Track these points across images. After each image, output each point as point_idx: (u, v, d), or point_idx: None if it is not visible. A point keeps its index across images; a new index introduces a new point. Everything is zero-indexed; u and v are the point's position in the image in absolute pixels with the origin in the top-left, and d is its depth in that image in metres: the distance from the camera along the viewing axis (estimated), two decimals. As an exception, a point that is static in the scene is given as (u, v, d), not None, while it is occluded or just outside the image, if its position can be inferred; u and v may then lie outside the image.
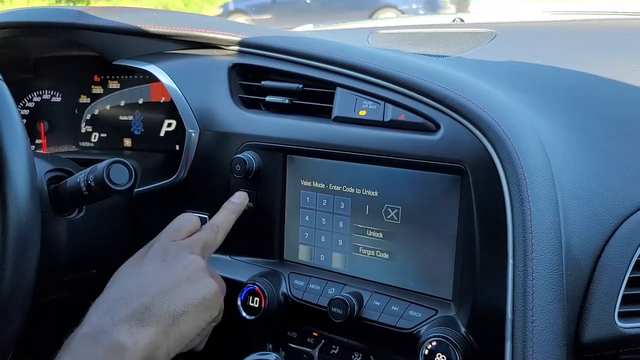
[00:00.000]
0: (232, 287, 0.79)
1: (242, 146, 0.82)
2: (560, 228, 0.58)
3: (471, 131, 0.65)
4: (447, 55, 0.96)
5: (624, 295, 0.61)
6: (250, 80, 0.88)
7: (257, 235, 0.83)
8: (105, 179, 0.65)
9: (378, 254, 0.75)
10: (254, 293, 0.77)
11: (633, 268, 0.62)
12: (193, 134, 0.85)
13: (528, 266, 0.55)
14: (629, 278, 0.62)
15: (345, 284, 0.76)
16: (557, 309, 0.55)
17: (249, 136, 0.82)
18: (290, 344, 0.83)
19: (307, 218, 0.80)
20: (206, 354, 0.77)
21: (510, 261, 0.57)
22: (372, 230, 0.75)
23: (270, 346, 0.84)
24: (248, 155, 0.80)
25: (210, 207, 0.84)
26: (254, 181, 0.81)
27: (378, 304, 0.73)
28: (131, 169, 0.67)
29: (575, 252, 0.61)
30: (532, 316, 0.53)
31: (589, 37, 1.05)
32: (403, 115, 0.72)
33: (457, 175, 0.68)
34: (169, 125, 1.04)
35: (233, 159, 0.80)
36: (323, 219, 0.79)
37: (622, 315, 0.61)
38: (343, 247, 0.78)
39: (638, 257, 0.62)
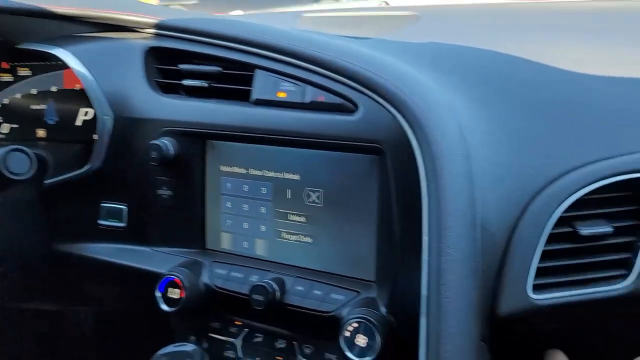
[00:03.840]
0: (152, 280, 0.76)
1: (160, 132, 0.79)
2: (475, 205, 0.59)
3: (389, 111, 0.64)
4: (370, 38, 0.96)
5: (538, 268, 0.63)
6: (168, 64, 0.84)
7: (177, 225, 0.80)
8: (2, 167, 0.61)
9: (301, 238, 0.74)
10: (173, 284, 0.74)
11: (546, 242, 0.63)
12: (106, 121, 0.81)
13: (442, 242, 0.55)
14: (543, 251, 0.63)
15: (269, 271, 0.75)
16: (472, 284, 0.55)
17: (166, 122, 0.79)
18: (213, 335, 0.80)
19: (228, 205, 0.78)
20: (127, 347, 0.74)
21: (425, 238, 0.56)
22: (294, 215, 0.74)
23: (194, 337, 0.82)
24: (164, 141, 0.77)
25: (128, 197, 0.81)
26: (172, 168, 0.78)
27: (301, 288, 0.71)
28: (31, 157, 0.62)
29: (491, 228, 0.61)
30: (446, 292, 0.53)
31: (511, 19, 1.07)
32: (323, 97, 0.70)
33: (376, 156, 0.68)
34: (86, 114, 0.98)
35: (149, 145, 0.76)
36: (245, 205, 0.77)
37: (536, 288, 0.62)
38: (266, 233, 0.76)
39: (550, 230, 0.64)
